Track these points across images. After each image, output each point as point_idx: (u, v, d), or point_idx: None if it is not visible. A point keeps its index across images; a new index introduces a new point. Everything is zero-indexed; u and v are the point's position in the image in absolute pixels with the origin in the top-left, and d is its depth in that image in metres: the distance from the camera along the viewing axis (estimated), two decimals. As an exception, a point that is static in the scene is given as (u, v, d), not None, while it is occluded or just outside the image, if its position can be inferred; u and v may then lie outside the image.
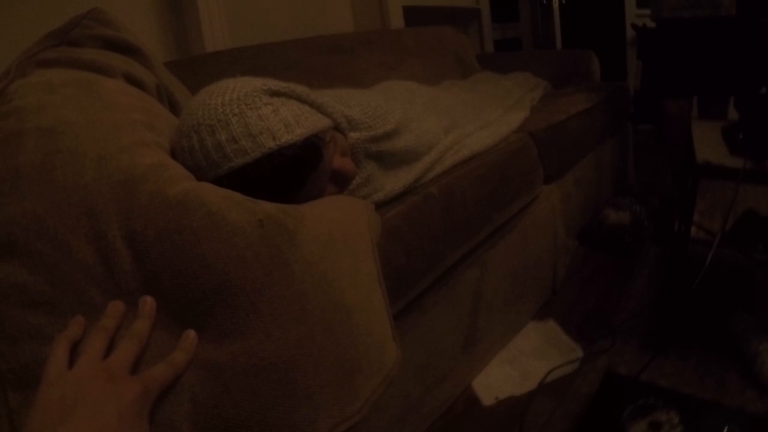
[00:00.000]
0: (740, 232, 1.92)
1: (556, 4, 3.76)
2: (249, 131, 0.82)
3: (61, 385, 0.58)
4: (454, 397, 1.42)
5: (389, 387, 0.79)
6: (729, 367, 1.40)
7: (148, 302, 0.67)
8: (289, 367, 0.67)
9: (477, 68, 2.72)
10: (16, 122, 0.74)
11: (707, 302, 1.65)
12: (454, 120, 1.50)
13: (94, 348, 0.62)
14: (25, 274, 0.64)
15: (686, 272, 1.52)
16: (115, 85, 0.90)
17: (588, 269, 2.00)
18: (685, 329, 1.56)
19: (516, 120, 1.74)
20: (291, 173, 0.87)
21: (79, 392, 0.57)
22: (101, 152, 0.72)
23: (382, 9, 2.73)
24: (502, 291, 1.52)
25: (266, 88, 0.88)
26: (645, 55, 3.44)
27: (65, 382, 0.59)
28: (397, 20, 2.81)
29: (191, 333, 0.67)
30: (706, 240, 1.92)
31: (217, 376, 0.65)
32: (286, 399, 0.66)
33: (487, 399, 1.42)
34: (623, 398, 1.21)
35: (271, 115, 0.84)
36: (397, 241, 1.04)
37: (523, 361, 1.54)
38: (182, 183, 0.74)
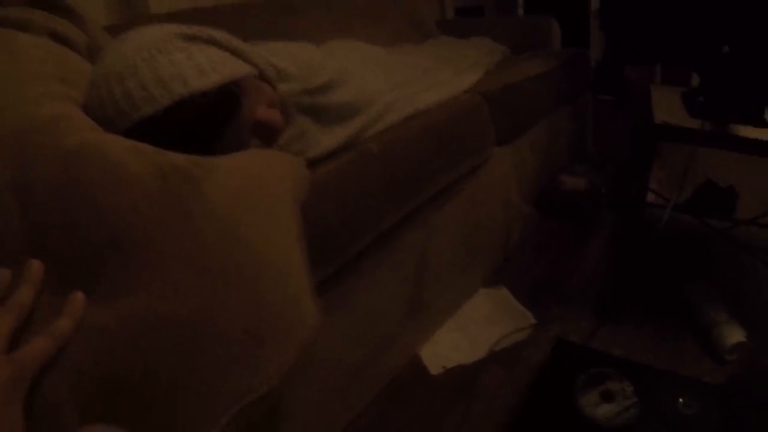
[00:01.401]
0: (699, 201, 1.91)
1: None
2: (159, 77, 0.76)
3: None
4: (400, 367, 1.37)
5: (308, 353, 0.73)
6: (685, 336, 1.38)
7: (34, 267, 0.61)
8: (186, 330, 0.61)
9: (435, 33, 2.64)
10: None
11: (663, 269, 1.64)
12: (400, 78, 1.44)
13: None
14: None
15: (640, 236, 1.50)
16: (34, 41, 0.85)
17: (543, 236, 1.96)
18: (641, 297, 1.53)
19: (468, 81, 1.67)
20: (205, 122, 0.81)
21: None
22: (1, 103, 0.68)
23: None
24: (449, 255, 1.47)
25: (180, 32, 0.83)
26: (607, 25, 3.40)
27: None
28: (352, -17, 2.72)
29: (78, 296, 0.60)
30: (664, 206, 1.90)
31: (103, 341, 0.59)
32: (181, 365, 0.60)
33: (434, 368, 1.37)
34: (575, 367, 1.18)
35: (184, 61, 0.79)
36: (329, 199, 0.98)
37: (472, 329, 1.49)
38: (83, 134, 0.68)
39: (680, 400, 1.08)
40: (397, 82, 1.39)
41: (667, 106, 1.52)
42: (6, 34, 0.82)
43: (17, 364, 0.53)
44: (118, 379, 0.58)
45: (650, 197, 1.77)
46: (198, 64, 0.80)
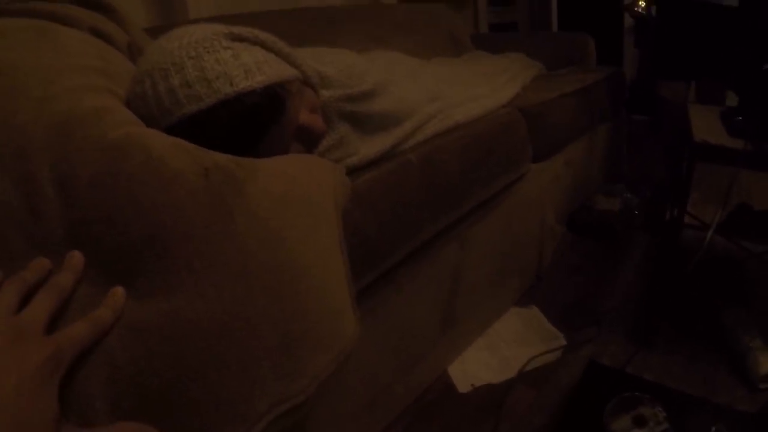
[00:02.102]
0: (733, 225, 1.87)
1: (554, -13, 3.68)
2: (205, 76, 0.76)
3: None
4: (429, 383, 1.35)
5: (343, 366, 0.71)
6: (719, 362, 1.34)
7: (76, 257, 0.59)
8: (222, 333, 0.59)
9: (470, 48, 2.63)
10: None
11: (698, 293, 1.60)
12: (440, 91, 1.42)
13: (6, 301, 0.54)
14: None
15: (677, 260, 1.46)
16: (75, 34, 0.84)
17: (575, 256, 1.93)
18: (675, 321, 1.49)
19: (506, 96, 1.66)
20: (249, 123, 0.80)
21: None
22: (43, 93, 0.66)
23: (374, -17, 2.65)
24: (483, 271, 1.44)
25: (228, 32, 0.81)
26: (643, 42, 3.37)
27: None
28: (390, -5, 2.74)
29: (119, 289, 0.59)
30: (699, 227, 1.86)
31: (140, 338, 0.57)
32: (216, 370, 0.58)
33: (462, 386, 1.35)
34: (607, 390, 1.15)
35: (231, 60, 0.78)
36: (368, 209, 0.96)
37: (502, 348, 1.47)
38: (126, 127, 0.67)
39: (713, 428, 1.05)
40: (436, 94, 1.38)
41: (705, 124, 1.48)
42: (48, 27, 0.81)
43: (57, 345, 0.52)
44: (152, 378, 0.56)
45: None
46: (244, 63, 0.79)
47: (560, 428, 1.15)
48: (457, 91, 1.51)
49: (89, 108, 0.67)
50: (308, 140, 0.93)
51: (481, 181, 1.30)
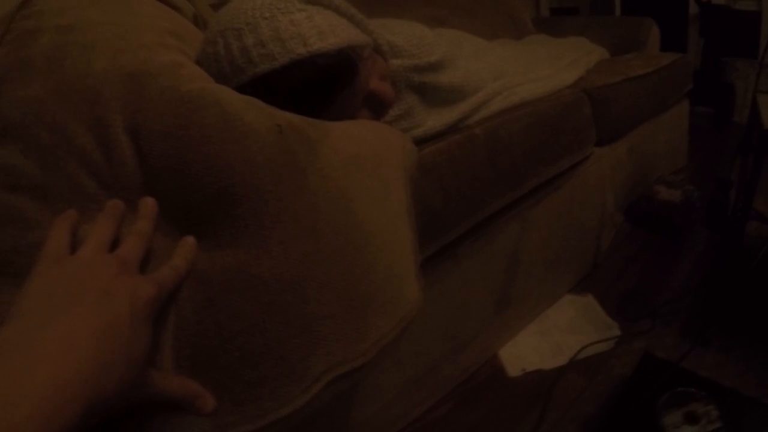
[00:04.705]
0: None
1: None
2: (278, 36, 0.75)
3: (64, 267, 0.49)
4: (479, 364, 1.34)
5: (404, 333, 0.69)
6: (775, 366, 1.28)
7: (150, 203, 0.60)
8: (285, 289, 0.58)
9: (531, 31, 2.58)
10: (36, 21, 0.70)
11: (758, 294, 1.53)
12: (504, 70, 1.40)
13: (103, 234, 0.54)
14: (17, 156, 0.60)
15: (739, 256, 1.41)
16: None
17: (633, 247, 1.87)
18: (732, 319, 1.43)
19: (569, 77, 1.61)
20: (321, 85, 0.79)
21: (86, 276, 0.48)
22: (118, 47, 0.67)
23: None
24: (542, 254, 1.42)
25: None
26: (708, 31, 3.24)
27: (68, 264, 0.50)
28: (452, -22, 2.69)
29: (190, 239, 0.59)
30: (763, 227, 1.79)
31: (204, 289, 0.57)
32: (277, 325, 0.57)
33: (513, 370, 1.33)
34: (660, 384, 1.12)
35: (305, 21, 0.77)
36: (434, 179, 0.95)
37: (555, 335, 1.44)
38: (199, 82, 0.67)
39: (766, 430, 1.01)
40: (500, 72, 1.36)
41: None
42: None
43: (158, 284, 0.52)
44: (211, 327, 0.56)
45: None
46: (318, 25, 0.78)
47: (610, 419, 1.12)
48: (519, 70, 1.48)
49: (164, 62, 0.67)
50: (377, 107, 0.92)
51: (546, 160, 1.28)
